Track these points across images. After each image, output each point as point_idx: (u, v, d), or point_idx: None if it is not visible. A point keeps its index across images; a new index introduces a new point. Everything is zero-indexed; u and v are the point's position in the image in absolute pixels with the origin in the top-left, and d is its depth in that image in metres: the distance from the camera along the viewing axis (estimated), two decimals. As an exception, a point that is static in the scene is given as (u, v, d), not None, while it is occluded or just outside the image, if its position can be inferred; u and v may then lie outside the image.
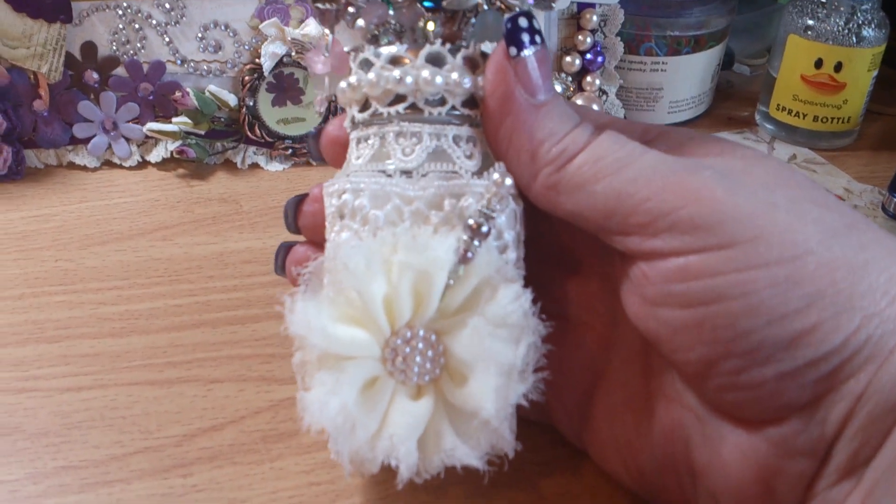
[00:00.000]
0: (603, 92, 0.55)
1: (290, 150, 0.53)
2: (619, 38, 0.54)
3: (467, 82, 0.27)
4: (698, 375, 0.25)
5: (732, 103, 0.65)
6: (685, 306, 0.24)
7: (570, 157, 0.25)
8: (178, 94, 0.51)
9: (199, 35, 0.51)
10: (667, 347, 0.25)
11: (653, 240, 0.24)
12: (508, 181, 0.26)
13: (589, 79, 0.53)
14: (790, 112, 0.57)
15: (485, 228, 0.26)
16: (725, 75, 0.65)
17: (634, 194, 0.24)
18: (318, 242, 0.30)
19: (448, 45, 0.27)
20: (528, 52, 0.26)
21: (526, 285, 0.26)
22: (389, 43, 0.27)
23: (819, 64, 0.55)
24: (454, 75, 0.26)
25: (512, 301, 0.25)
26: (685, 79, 0.58)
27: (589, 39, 0.52)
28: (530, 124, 0.26)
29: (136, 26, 0.50)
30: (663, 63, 0.57)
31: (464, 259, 0.25)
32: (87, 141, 0.52)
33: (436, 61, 0.27)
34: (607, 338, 0.29)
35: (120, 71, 0.51)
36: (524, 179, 0.26)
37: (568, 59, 0.53)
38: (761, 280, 0.23)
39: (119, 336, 0.38)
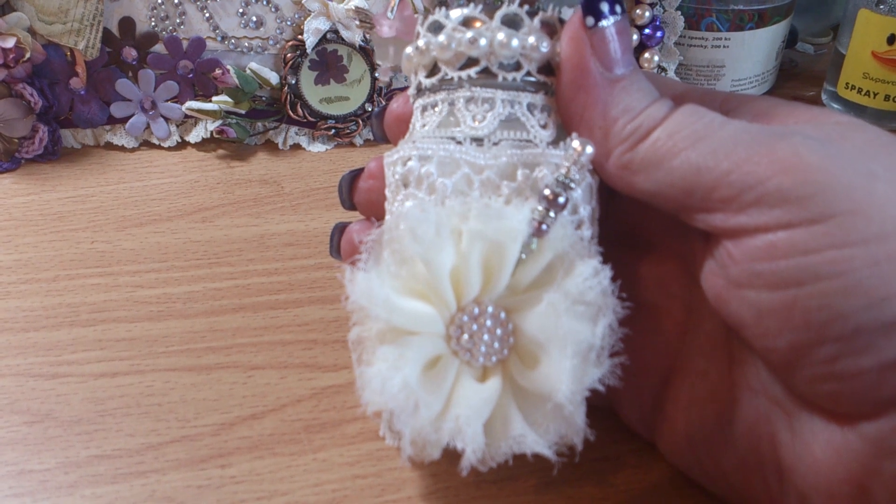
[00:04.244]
0: (662, 69, 0.52)
1: (333, 131, 0.52)
2: (679, 13, 0.51)
3: (545, 47, 0.25)
4: (787, 364, 0.23)
5: (797, 83, 0.62)
6: (774, 287, 0.22)
7: (645, 133, 0.24)
8: (218, 71, 0.50)
9: (240, 10, 0.49)
10: (752, 333, 0.23)
11: (738, 216, 0.22)
12: (589, 150, 0.24)
13: (647, 55, 0.50)
14: (860, 91, 0.54)
15: (562, 199, 0.24)
16: (789, 54, 0.63)
17: (715, 167, 0.22)
18: (374, 221, 0.29)
19: (525, 8, 0.25)
20: (606, 22, 0.24)
21: (603, 263, 0.24)
22: (460, 6, 0.26)
23: (891, 40, 0.52)
24: (531, 39, 0.25)
25: (590, 277, 0.23)
26: (748, 56, 0.55)
27: (647, 13, 0.49)
28: (605, 100, 0.24)
29: (175, 1, 0.49)
30: (725, 39, 0.54)
31: (538, 232, 0.24)
32: (125, 120, 0.51)
33: (511, 23, 0.25)
34: (685, 323, 0.27)
35: (159, 48, 0.50)
36: (597, 159, 0.25)
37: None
38: (859, 258, 0.21)
39: (156, 320, 0.37)
